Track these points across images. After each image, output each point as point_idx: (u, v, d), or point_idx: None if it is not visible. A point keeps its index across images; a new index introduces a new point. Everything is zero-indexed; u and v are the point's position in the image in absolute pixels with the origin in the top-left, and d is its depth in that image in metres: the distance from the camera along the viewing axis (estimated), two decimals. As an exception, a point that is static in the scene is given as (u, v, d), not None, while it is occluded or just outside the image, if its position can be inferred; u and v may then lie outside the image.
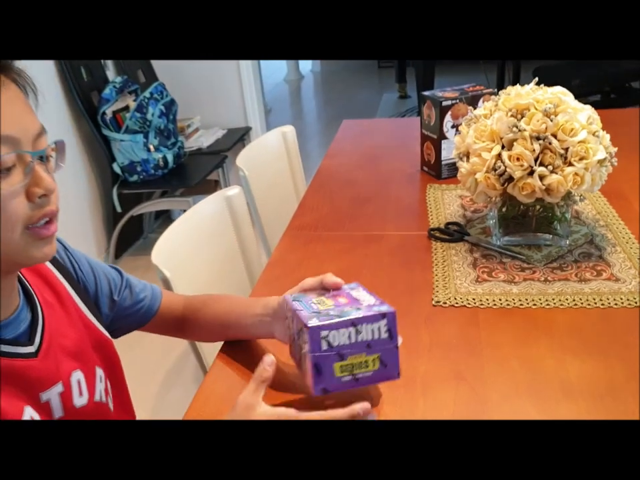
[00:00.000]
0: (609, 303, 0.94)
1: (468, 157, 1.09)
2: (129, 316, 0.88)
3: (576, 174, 0.98)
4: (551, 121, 0.99)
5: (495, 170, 1.02)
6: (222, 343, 0.93)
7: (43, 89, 0.65)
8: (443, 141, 1.46)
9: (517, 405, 0.76)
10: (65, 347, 0.71)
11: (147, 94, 2.65)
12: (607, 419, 0.72)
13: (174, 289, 1.06)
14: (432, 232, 1.22)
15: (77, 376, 0.72)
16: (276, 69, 6.58)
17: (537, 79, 1.12)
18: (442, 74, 4.35)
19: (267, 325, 0.83)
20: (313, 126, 5.19)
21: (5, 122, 0.57)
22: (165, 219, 3.23)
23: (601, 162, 1.00)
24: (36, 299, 0.70)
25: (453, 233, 1.21)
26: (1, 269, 0.62)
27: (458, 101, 1.43)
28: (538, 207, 1.10)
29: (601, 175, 1.02)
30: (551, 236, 1.13)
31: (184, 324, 0.92)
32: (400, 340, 0.65)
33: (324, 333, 0.59)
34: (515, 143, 1.01)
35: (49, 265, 0.76)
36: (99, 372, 0.77)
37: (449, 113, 1.43)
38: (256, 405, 0.63)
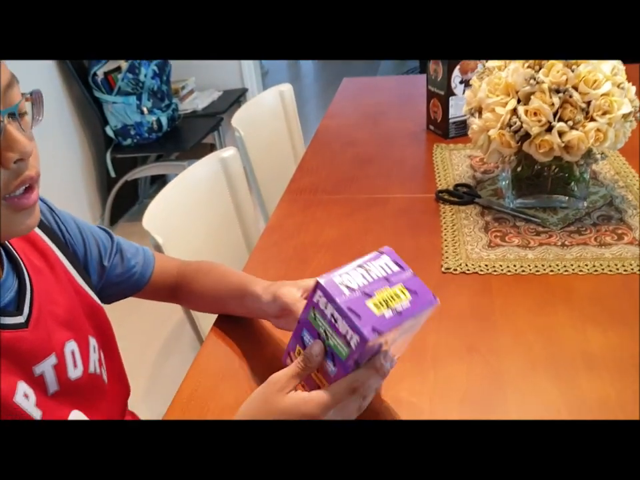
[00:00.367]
0: (632, 269, 0.89)
1: (480, 113, 1.04)
2: (119, 284, 0.82)
3: (598, 130, 0.92)
4: (572, 71, 0.92)
5: (510, 126, 0.96)
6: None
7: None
8: (450, 98, 1.41)
9: (534, 379, 0.71)
10: (57, 315, 0.66)
11: (138, 53, 2.56)
12: (633, 393, 0.67)
13: (167, 256, 1.00)
14: (440, 194, 1.15)
15: (71, 346, 0.66)
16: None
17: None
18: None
19: (264, 307, 0.76)
20: (311, 88, 5.09)
21: None
22: (160, 184, 3.17)
23: (625, 116, 0.94)
24: (22, 265, 0.64)
25: (463, 195, 1.14)
26: None
27: (467, 54, 1.35)
28: (554, 166, 1.04)
29: (625, 131, 0.96)
30: (568, 197, 1.06)
31: (177, 292, 0.87)
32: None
33: (338, 279, 0.57)
34: (532, 97, 0.95)
35: None
36: (92, 341, 0.71)
37: (458, 67, 1.38)
38: (288, 388, 0.57)
